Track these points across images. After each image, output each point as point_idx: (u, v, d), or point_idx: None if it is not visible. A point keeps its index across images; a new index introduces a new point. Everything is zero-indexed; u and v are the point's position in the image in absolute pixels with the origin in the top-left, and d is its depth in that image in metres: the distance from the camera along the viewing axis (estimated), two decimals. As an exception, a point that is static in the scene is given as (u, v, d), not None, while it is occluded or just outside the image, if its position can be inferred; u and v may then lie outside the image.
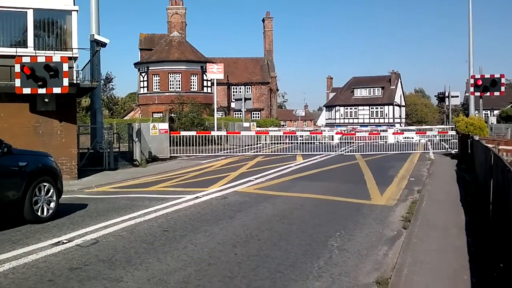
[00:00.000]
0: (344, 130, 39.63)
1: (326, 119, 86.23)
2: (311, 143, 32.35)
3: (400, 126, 71.25)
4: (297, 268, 6.34)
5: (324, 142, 32.43)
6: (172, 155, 24.71)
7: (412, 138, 35.92)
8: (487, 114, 55.67)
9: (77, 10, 16.11)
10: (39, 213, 9.21)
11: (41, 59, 14.59)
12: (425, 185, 13.53)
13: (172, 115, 39.26)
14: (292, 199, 11.85)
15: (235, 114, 52.77)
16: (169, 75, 50.01)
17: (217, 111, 39.64)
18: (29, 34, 15.60)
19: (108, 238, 7.95)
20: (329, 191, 12.87)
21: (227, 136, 32.18)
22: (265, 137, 34.41)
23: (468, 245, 7.14)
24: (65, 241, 7.68)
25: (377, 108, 79.48)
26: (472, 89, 25.30)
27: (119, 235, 8.12)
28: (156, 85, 50.46)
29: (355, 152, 27.52)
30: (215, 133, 31.79)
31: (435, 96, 52.29)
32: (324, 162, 21.72)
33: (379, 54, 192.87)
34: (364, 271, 6.27)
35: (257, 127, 38.24)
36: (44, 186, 9.47)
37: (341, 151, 27.56)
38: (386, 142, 30.38)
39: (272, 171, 17.50)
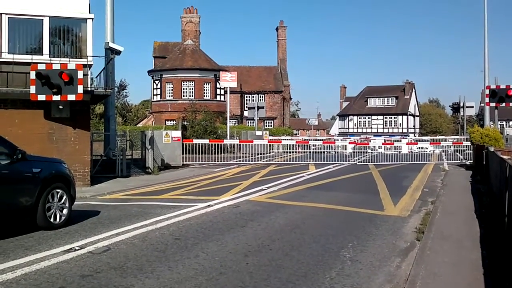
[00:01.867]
0: (358, 140, 39.48)
1: (339, 128, 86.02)
2: (323, 152, 32.25)
3: (414, 136, 70.81)
4: (308, 279, 6.29)
5: (337, 152, 32.31)
6: (184, 163, 24.75)
7: (426, 148, 35.67)
8: (503, 125, 55.24)
9: (92, 18, 16.27)
10: (51, 220, 9.24)
11: (56, 66, 14.71)
12: (439, 196, 13.39)
13: (185, 123, 39.39)
14: (305, 208, 11.78)
15: (248, 122, 52.82)
16: (183, 83, 50.19)
17: (230, 119, 39.73)
18: (45, 42, 15.77)
19: (120, 245, 7.95)
20: (342, 201, 12.79)
21: (239, 144, 32.21)
22: (278, 146, 34.35)
23: (482, 258, 7.03)
24: (77, 248, 7.70)
25: (391, 117, 79.18)
26: (487, 99, 25.10)
27: (130, 243, 8.13)
28: (170, 93, 50.62)
29: (369, 162, 27.37)
30: (227, 141, 31.82)
31: (449, 106, 51.87)
32: (337, 172, 21.62)
33: (393, 63, 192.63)
34: (376, 283, 6.20)
35: (269, 135, 38.19)
36: (57, 192, 9.50)
37: (354, 161, 27.43)
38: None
39: (285, 180, 17.44)
